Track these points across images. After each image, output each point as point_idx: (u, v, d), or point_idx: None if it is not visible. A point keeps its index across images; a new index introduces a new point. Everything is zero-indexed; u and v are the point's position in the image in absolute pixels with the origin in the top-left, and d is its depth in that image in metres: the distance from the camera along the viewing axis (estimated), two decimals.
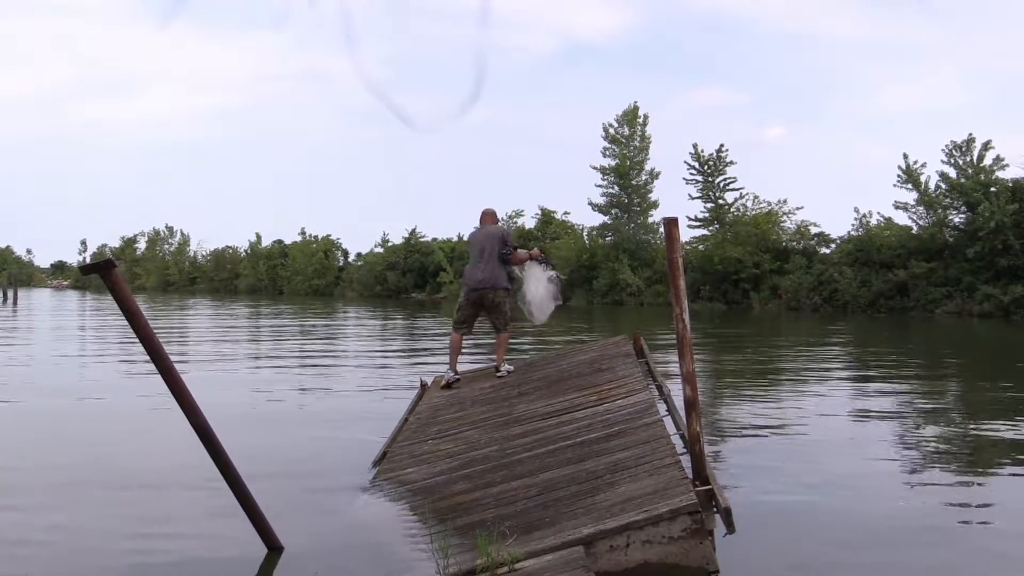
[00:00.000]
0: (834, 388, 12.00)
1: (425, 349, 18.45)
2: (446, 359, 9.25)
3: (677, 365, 4.57)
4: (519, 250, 8.58)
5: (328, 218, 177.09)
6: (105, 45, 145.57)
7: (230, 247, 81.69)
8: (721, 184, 44.51)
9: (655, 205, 47.29)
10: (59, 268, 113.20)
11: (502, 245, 8.39)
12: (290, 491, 5.94)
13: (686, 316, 4.39)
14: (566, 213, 55.34)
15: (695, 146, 44.31)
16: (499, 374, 8.38)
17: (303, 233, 73.76)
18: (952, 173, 36.03)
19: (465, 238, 8.59)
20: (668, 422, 5.62)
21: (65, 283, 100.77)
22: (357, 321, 32.23)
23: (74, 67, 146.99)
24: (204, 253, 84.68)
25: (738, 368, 15.22)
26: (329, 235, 72.99)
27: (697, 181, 44.62)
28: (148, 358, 4.36)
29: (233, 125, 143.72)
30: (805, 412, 9.77)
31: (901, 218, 38.03)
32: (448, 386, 8.27)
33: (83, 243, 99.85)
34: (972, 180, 34.92)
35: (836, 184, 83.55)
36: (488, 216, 8.74)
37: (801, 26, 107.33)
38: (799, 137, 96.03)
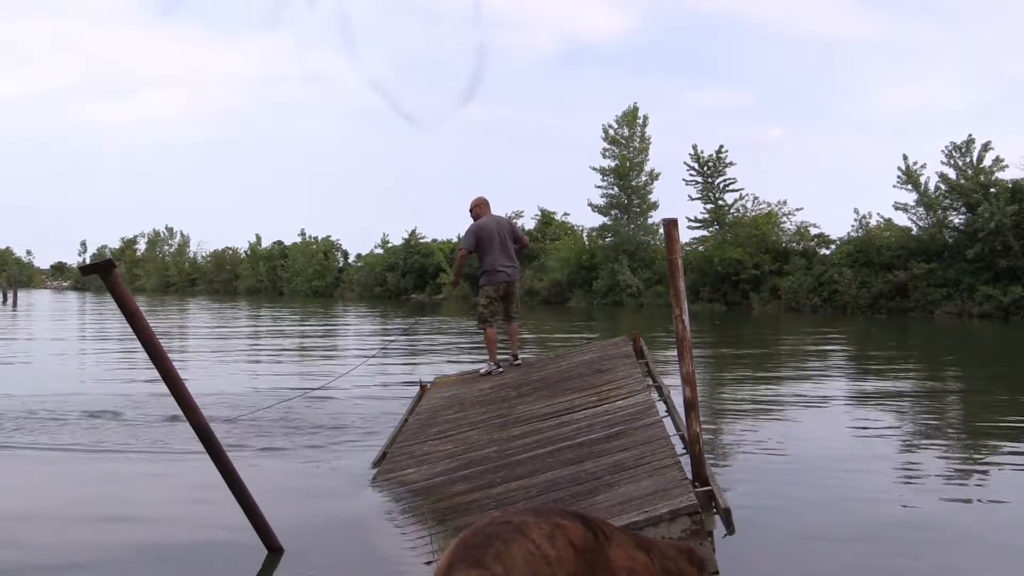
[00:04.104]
0: (834, 389, 12.00)
1: (424, 350, 18.44)
2: (446, 359, 9.23)
3: (677, 366, 4.57)
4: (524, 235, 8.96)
5: (328, 219, 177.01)
6: (106, 46, 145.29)
7: (230, 248, 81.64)
8: (721, 185, 44.48)
9: (655, 206, 47.26)
10: (59, 269, 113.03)
11: (514, 239, 8.51)
12: (290, 492, 5.95)
13: (686, 317, 4.39)
14: (566, 214, 55.37)
15: (695, 147, 44.30)
16: (517, 362, 8.50)
17: (303, 234, 73.74)
18: (952, 174, 36.02)
19: (463, 233, 8.47)
20: (668, 423, 5.61)
21: (65, 284, 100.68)
22: (357, 322, 32.23)
23: (74, 68, 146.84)
24: (204, 254, 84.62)
25: (738, 369, 15.22)
26: (329, 236, 72.99)
27: (697, 182, 44.61)
28: (148, 359, 4.37)
29: (233, 126, 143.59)
30: (805, 413, 9.78)
31: (901, 219, 38.03)
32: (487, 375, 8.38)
33: (83, 244, 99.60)
34: (972, 181, 34.90)
35: (836, 185, 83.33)
36: (488, 204, 8.66)
37: (801, 27, 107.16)
38: (799, 138, 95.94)
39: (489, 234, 8.33)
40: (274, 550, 4.58)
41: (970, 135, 36.00)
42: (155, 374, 4.52)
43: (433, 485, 5.37)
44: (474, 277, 9.43)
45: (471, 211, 8.63)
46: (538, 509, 2.47)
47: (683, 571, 2.61)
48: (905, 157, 36.99)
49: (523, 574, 2.26)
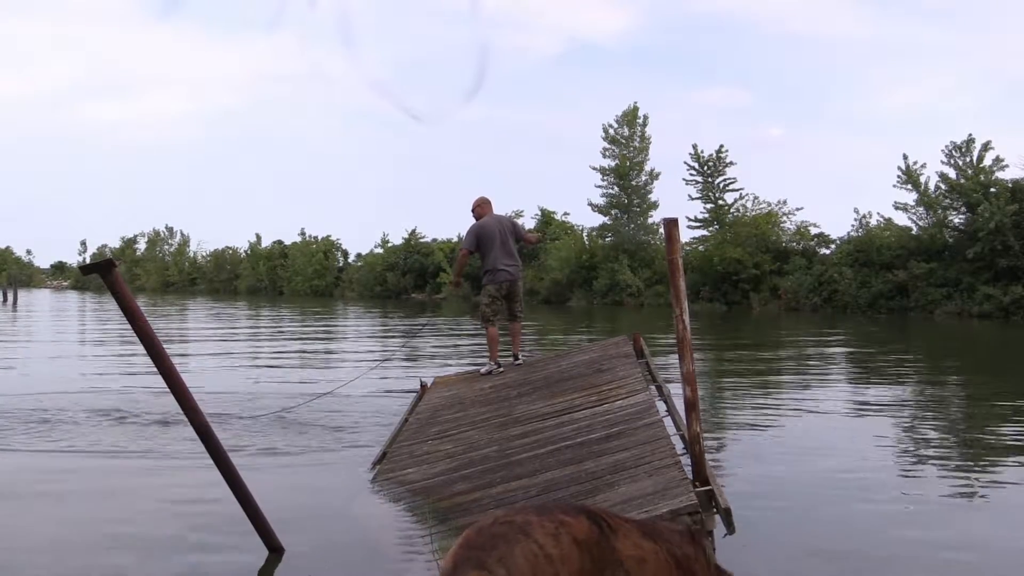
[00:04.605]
0: (834, 389, 12.00)
1: (424, 350, 18.43)
2: (445, 359, 9.23)
3: (677, 366, 4.57)
4: (529, 233, 9.05)
5: (328, 219, 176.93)
6: (106, 46, 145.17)
7: (230, 248, 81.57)
8: (721, 185, 44.45)
9: (655, 206, 47.26)
10: (59, 269, 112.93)
11: (516, 238, 8.56)
12: (290, 492, 5.95)
13: (686, 317, 4.39)
14: (566, 214, 55.23)
15: (695, 147, 44.24)
16: (518, 362, 8.54)
17: (303, 234, 73.69)
18: (952, 174, 36.00)
19: (463, 233, 8.50)
20: (668, 423, 5.62)
21: (65, 283, 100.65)
22: (358, 323, 32.24)
23: (74, 68, 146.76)
24: (204, 254, 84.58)
25: (738, 369, 15.22)
26: (329, 236, 72.94)
27: (697, 182, 44.57)
28: (149, 359, 4.37)
29: (233, 126, 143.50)
30: (805, 413, 9.77)
31: (901, 219, 38.00)
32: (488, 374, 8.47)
33: (83, 243, 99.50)
34: (972, 181, 34.88)
35: (836, 184, 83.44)
36: (489, 204, 8.70)
37: (801, 26, 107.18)
38: (799, 137, 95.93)
39: (490, 233, 8.36)
40: (274, 550, 4.58)
41: (970, 135, 36.02)
42: (156, 374, 4.51)
43: (433, 485, 5.37)
44: (476, 277, 9.47)
45: (473, 211, 8.68)
46: (542, 507, 2.49)
47: (688, 555, 2.66)
48: (905, 157, 37.01)
49: None
